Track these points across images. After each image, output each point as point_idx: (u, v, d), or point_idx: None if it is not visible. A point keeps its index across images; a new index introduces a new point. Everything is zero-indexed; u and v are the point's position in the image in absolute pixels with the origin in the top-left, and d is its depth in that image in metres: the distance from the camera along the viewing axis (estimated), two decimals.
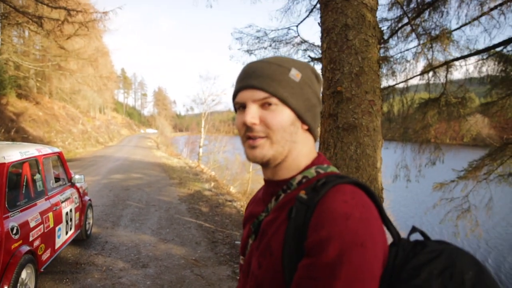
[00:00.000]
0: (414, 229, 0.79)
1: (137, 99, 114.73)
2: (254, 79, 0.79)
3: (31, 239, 3.28)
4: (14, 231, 2.99)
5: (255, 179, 22.05)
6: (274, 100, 0.78)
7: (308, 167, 0.84)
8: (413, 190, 15.12)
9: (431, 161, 6.61)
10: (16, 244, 2.98)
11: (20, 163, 3.48)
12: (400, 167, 7.05)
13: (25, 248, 3.10)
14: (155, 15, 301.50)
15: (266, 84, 0.78)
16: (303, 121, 0.82)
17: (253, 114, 0.78)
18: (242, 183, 22.39)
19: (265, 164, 0.83)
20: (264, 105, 0.79)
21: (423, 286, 0.63)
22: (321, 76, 0.91)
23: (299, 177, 0.82)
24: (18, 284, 2.95)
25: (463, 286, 0.62)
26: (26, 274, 3.13)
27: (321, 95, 0.90)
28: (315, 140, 0.88)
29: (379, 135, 3.40)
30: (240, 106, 0.82)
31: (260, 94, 0.78)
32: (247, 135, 0.80)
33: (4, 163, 3.13)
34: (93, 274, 4.19)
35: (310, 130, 0.85)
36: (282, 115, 0.78)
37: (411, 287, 0.64)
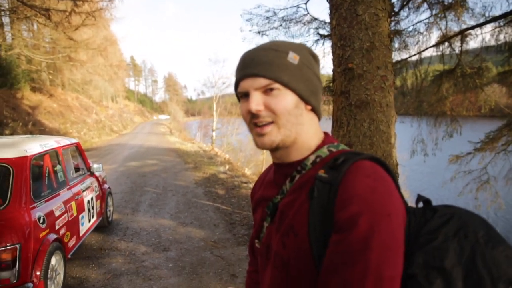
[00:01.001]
0: (419, 197, 0.82)
1: (148, 86, 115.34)
2: (253, 67, 0.80)
3: (57, 227, 3.41)
4: (41, 221, 3.11)
5: (269, 160, 22.13)
6: (276, 85, 0.79)
7: (319, 147, 0.86)
8: (428, 164, 14.98)
9: (448, 134, 6.51)
10: (44, 233, 3.11)
11: (41, 156, 3.58)
12: (417, 142, 6.97)
13: (53, 236, 3.23)
14: (159, 1, 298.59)
15: (266, 70, 0.79)
16: (306, 102, 0.84)
17: (257, 101, 0.79)
18: (257, 164, 22.54)
19: (274, 149, 0.85)
20: (267, 91, 0.80)
21: (441, 247, 0.67)
22: (317, 55, 0.91)
23: (312, 157, 0.84)
24: (49, 270, 3.09)
25: (478, 244, 0.66)
26: (55, 261, 3.27)
27: (320, 74, 0.91)
28: (319, 119, 0.90)
29: (392, 110, 3.37)
30: (243, 95, 0.84)
31: (262, 81, 0.79)
32: (254, 121, 0.82)
33: (27, 156, 3.22)
34: (117, 258, 4.35)
35: (314, 110, 0.87)
36: (286, 99, 0.80)
37: (430, 249, 0.68)
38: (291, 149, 0.85)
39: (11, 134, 12.58)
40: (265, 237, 0.89)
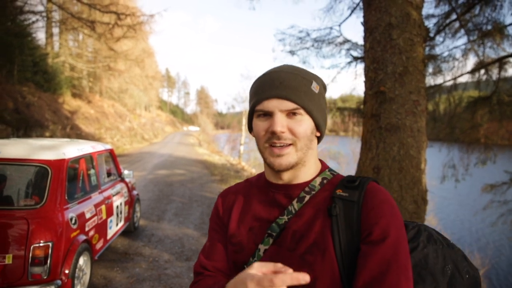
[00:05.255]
0: None
1: (180, 98, 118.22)
2: (282, 89, 0.84)
3: (86, 229, 3.55)
4: (73, 221, 3.26)
5: None
6: (301, 110, 0.85)
7: (322, 170, 0.94)
8: (453, 192, 14.43)
9: (480, 161, 6.29)
10: (74, 233, 3.25)
11: (77, 159, 3.77)
12: (448, 167, 6.76)
13: (82, 237, 3.37)
14: (200, 17, 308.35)
15: (295, 95, 0.84)
16: (318, 129, 0.91)
17: (282, 123, 0.83)
18: None
19: (286, 170, 0.87)
20: (290, 114, 0.85)
21: (424, 252, 0.87)
22: (326, 86, 0.97)
23: (318, 179, 0.91)
24: (77, 269, 3.22)
25: (444, 247, 0.90)
26: (83, 261, 3.40)
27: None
28: (318, 144, 0.97)
29: (423, 136, 3.33)
30: (263, 114, 0.87)
31: (289, 105, 0.84)
32: (273, 142, 0.84)
33: (64, 159, 3.40)
34: (140, 264, 4.45)
35: (319, 137, 0.94)
36: (307, 125, 0.86)
37: (416, 255, 0.87)
38: (300, 172, 0.90)
39: (51, 136, 13.23)
40: (267, 259, 0.86)
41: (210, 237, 1.03)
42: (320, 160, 0.98)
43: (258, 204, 0.95)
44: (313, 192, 0.88)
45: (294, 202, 0.88)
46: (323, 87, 0.93)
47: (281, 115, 0.84)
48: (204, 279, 0.96)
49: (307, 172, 0.91)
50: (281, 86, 0.84)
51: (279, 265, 0.67)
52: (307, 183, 0.90)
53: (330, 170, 0.95)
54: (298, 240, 0.84)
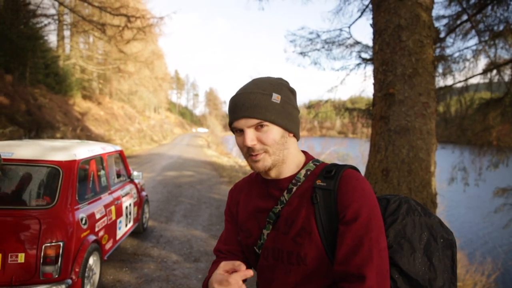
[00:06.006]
0: None
1: (189, 99, 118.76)
2: (245, 110, 0.99)
3: (96, 229, 3.59)
4: (83, 222, 3.30)
5: None
6: (265, 123, 0.99)
7: (306, 163, 1.09)
8: (462, 194, 14.21)
9: (493, 164, 6.19)
10: (85, 233, 3.29)
11: (88, 160, 3.81)
12: (458, 170, 6.67)
13: (92, 237, 3.41)
14: (210, 19, 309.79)
15: (256, 112, 0.98)
16: (289, 131, 1.05)
17: (251, 137, 1.00)
18: None
19: (267, 171, 1.04)
20: (258, 127, 1.00)
21: (403, 223, 1.01)
22: (294, 89, 1.10)
23: (303, 171, 1.06)
24: (87, 269, 3.26)
25: (420, 216, 1.03)
26: (93, 261, 3.44)
27: (297, 103, 1.12)
28: (298, 140, 1.11)
29: (433, 138, 3.30)
30: (237, 130, 1.03)
31: (253, 121, 0.99)
32: (250, 153, 1.02)
33: (75, 160, 3.45)
34: (149, 265, 4.48)
35: (295, 135, 1.08)
36: (274, 133, 1.00)
37: (396, 226, 1.00)
38: (282, 168, 1.06)
39: (62, 137, 13.40)
40: (269, 242, 1.07)
41: (225, 226, 1.26)
42: (305, 153, 1.14)
43: (258, 197, 1.14)
44: (299, 184, 1.05)
45: (285, 193, 1.05)
46: (289, 91, 1.06)
47: (250, 130, 1.00)
48: (217, 261, 1.18)
49: (290, 167, 1.07)
50: (244, 107, 0.99)
51: (237, 263, 0.90)
52: (293, 176, 1.07)
53: (314, 161, 1.10)
54: (290, 225, 1.02)
